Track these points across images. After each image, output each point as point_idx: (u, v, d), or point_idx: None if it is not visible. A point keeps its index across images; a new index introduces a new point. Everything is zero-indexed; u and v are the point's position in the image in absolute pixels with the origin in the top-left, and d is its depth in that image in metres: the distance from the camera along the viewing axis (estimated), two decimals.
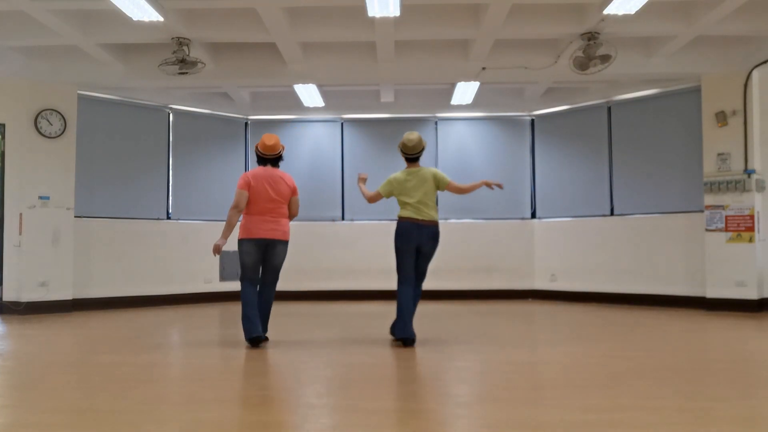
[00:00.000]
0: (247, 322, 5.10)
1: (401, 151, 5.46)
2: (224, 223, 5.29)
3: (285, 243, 5.32)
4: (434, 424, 2.95)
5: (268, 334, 5.39)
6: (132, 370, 4.26)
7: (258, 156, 5.40)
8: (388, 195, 5.44)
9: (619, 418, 2.96)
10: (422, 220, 5.29)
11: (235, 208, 5.19)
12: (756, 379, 4.00)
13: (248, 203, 5.23)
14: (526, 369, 4.41)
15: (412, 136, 5.44)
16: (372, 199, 5.48)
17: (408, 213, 5.30)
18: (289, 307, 8.68)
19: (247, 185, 5.21)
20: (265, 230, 5.20)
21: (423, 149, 5.47)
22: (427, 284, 9.69)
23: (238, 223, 5.32)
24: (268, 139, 5.35)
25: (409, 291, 5.24)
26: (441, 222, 10.05)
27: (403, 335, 5.14)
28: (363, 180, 5.64)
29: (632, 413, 3.05)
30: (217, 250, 5.18)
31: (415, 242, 5.26)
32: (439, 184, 5.41)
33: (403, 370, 4.29)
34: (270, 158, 5.36)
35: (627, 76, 8.21)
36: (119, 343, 5.52)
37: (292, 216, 5.43)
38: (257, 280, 5.29)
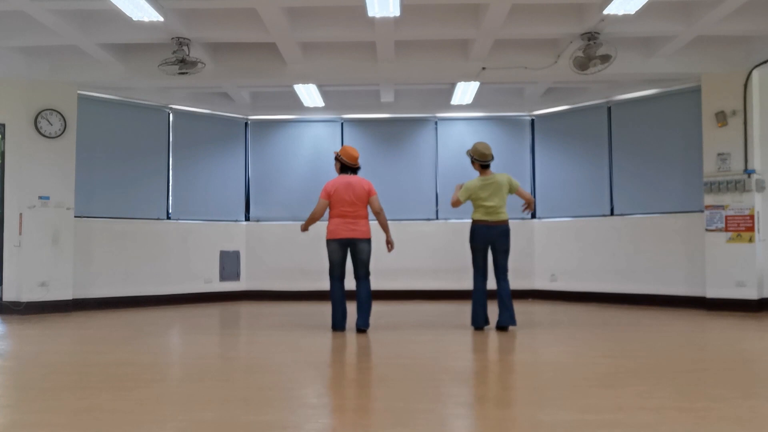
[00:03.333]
0: (335, 314, 6.07)
1: (476, 159, 6.12)
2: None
3: (366, 241, 6.01)
4: (434, 424, 2.95)
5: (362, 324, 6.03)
6: (132, 370, 4.26)
7: (342, 164, 6.16)
8: (465, 200, 6.12)
9: (619, 418, 2.96)
10: (493, 222, 6.02)
11: (312, 216, 6.08)
12: (756, 379, 4.00)
13: (331, 207, 6.01)
14: (526, 369, 4.40)
15: (485, 147, 6.14)
16: (455, 205, 6.15)
17: (480, 216, 6.05)
18: (290, 307, 8.68)
19: (327, 194, 6.00)
20: (347, 231, 5.93)
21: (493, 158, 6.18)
22: (427, 284, 9.78)
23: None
24: (353, 151, 6.18)
25: (485, 283, 6.05)
26: (441, 222, 10.22)
27: (504, 323, 5.96)
28: (458, 188, 6.25)
29: (632, 413, 3.04)
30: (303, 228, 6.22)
31: (488, 241, 6.04)
32: (511, 189, 6.13)
33: (403, 369, 4.29)
34: (352, 167, 6.14)
35: (627, 76, 8.20)
36: (119, 343, 5.52)
37: (376, 213, 6.04)
38: (344, 276, 6.08)
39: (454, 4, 6.81)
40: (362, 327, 5.92)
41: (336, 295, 6.05)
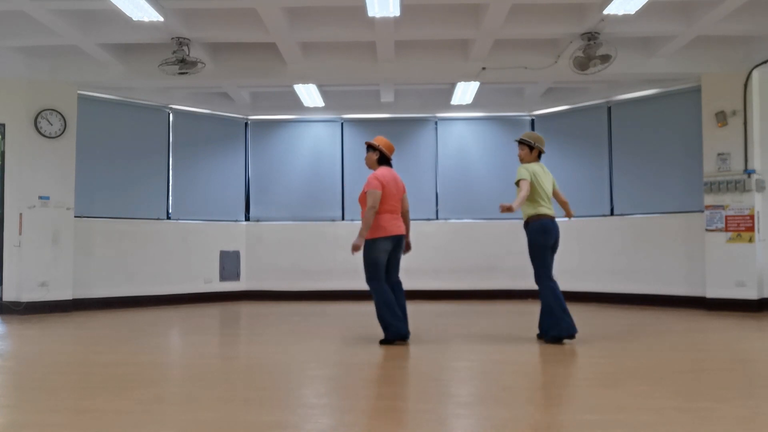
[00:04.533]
0: (397, 321, 5.21)
1: (537, 147, 5.53)
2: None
3: (404, 237, 5.46)
4: (434, 424, 2.95)
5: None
6: (132, 370, 4.26)
7: (383, 156, 5.53)
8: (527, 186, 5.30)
9: (620, 418, 2.96)
10: (554, 216, 5.43)
11: (373, 208, 5.24)
12: (756, 379, 4.00)
13: (382, 202, 5.28)
14: (526, 369, 4.40)
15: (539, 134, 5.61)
16: (520, 195, 5.27)
17: (546, 210, 5.39)
18: (290, 307, 8.68)
19: (381, 185, 5.29)
20: (398, 227, 5.35)
21: None
22: (428, 284, 9.78)
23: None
24: (388, 140, 5.58)
25: (557, 285, 5.35)
26: (441, 222, 10.22)
27: (572, 331, 5.18)
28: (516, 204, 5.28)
29: (632, 413, 3.04)
30: (356, 249, 5.22)
31: (556, 238, 5.42)
32: (554, 184, 5.61)
33: (403, 370, 4.29)
34: (389, 160, 5.55)
35: (627, 76, 8.20)
36: (119, 343, 5.52)
37: (406, 212, 5.56)
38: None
39: (454, 4, 6.81)
40: (407, 335, 5.32)
41: (391, 298, 5.26)
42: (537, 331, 5.57)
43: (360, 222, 5.32)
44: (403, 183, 5.57)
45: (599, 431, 2.77)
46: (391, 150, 5.58)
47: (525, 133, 5.69)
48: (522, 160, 5.59)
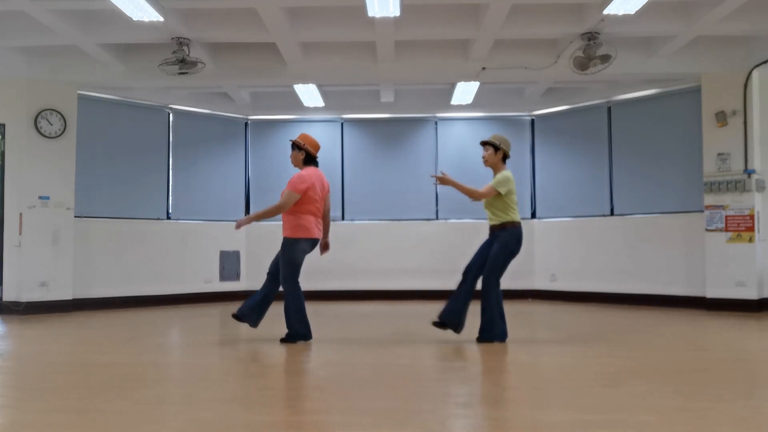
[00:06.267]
0: (303, 328, 5.28)
1: (503, 149, 5.44)
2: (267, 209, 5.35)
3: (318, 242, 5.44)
4: (434, 424, 2.95)
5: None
6: (132, 370, 4.26)
7: (309, 156, 5.47)
8: (506, 193, 5.25)
9: (619, 418, 2.96)
10: None
11: (282, 208, 5.25)
12: (756, 379, 4.00)
13: (306, 203, 5.25)
14: (526, 369, 4.40)
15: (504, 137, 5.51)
16: (485, 196, 5.26)
17: (518, 218, 5.35)
18: None
19: (306, 188, 5.24)
20: (318, 231, 5.34)
21: None
22: (428, 284, 9.77)
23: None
24: (314, 138, 5.52)
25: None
26: (441, 222, 10.22)
27: (505, 337, 5.30)
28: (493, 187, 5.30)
29: (632, 413, 3.04)
30: (238, 225, 5.31)
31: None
32: None
33: (403, 369, 4.29)
34: (315, 159, 5.50)
35: (627, 76, 8.20)
36: (119, 343, 5.52)
37: (327, 212, 5.54)
38: None
39: (454, 4, 6.81)
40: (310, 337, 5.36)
41: (302, 303, 5.29)
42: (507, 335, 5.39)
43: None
44: (328, 183, 5.56)
45: (599, 431, 2.77)
46: (317, 148, 5.50)
47: (493, 135, 5.60)
48: (486, 162, 5.49)
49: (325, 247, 5.60)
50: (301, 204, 5.25)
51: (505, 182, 5.28)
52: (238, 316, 5.42)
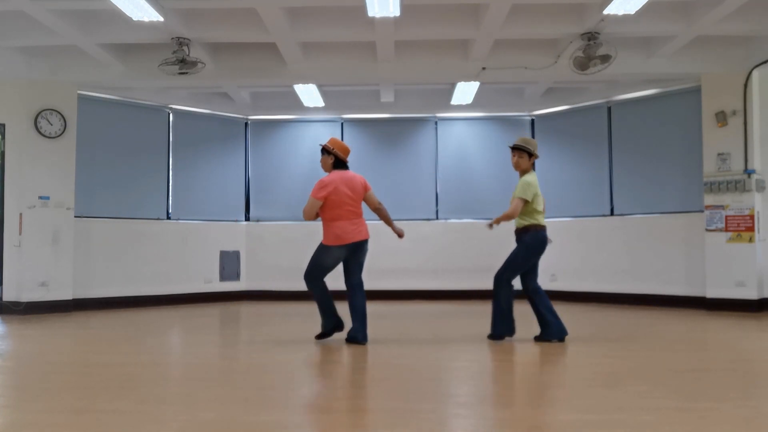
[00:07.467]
0: (335, 317, 5.37)
1: (532, 154, 5.36)
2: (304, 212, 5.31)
3: (367, 241, 5.36)
4: (434, 424, 2.95)
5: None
6: (132, 370, 4.26)
7: (338, 160, 5.39)
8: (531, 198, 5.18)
9: (619, 418, 2.96)
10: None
11: (306, 214, 5.25)
12: (756, 379, 4.00)
13: (333, 208, 5.20)
14: (526, 369, 4.40)
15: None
16: (517, 211, 5.17)
17: (543, 221, 5.28)
18: (290, 307, 8.68)
19: (327, 194, 5.19)
20: (355, 233, 5.24)
21: None
22: (428, 284, 9.78)
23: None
24: (343, 142, 5.50)
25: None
26: (441, 222, 10.22)
27: (512, 333, 5.40)
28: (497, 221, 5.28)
29: (632, 413, 3.04)
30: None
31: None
32: None
33: (403, 370, 4.29)
34: (345, 163, 5.43)
35: (627, 76, 8.20)
36: (119, 343, 5.52)
37: (376, 209, 5.45)
38: None
39: (454, 4, 6.81)
40: (363, 340, 5.24)
41: (328, 296, 5.33)
42: (515, 331, 5.50)
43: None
44: (364, 181, 5.41)
45: (599, 431, 2.77)
46: (347, 152, 5.44)
47: (519, 138, 5.48)
48: (518, 167, 5.38)
49: (399, 235, 5.58)
50: (329, 210, 5.22)
51: (528, 188, 5.22)
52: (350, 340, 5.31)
